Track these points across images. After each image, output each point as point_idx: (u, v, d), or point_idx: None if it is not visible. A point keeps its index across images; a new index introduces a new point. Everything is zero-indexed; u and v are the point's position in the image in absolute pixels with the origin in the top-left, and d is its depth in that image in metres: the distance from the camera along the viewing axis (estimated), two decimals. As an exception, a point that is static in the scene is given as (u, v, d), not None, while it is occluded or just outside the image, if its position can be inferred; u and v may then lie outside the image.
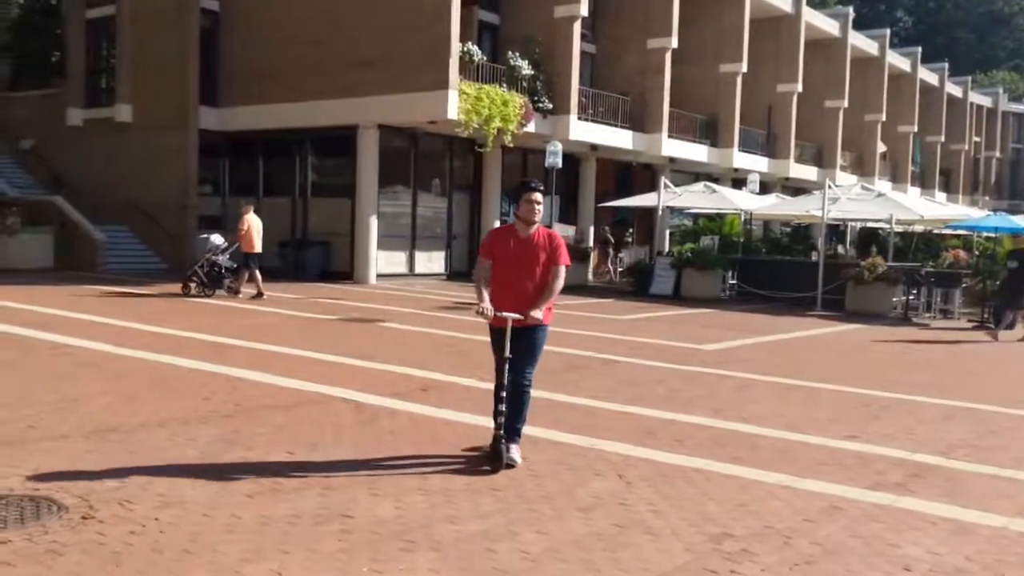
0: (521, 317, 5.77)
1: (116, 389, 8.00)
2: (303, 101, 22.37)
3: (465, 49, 21.99)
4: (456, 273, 25.01)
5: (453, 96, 20.59)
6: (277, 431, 6.65)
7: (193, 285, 17.04)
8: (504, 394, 5.83)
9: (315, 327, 13.35)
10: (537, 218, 5.91)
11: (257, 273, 17.25)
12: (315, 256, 23.12)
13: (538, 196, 5.88)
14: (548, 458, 6.15)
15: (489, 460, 5.80)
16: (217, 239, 17.31)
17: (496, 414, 5.84)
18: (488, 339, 6.15)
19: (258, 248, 17.45)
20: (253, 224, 17.42)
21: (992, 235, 22.95)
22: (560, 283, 5.93)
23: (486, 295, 5.84)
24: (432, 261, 24.86)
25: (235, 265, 17.27)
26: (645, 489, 5.51)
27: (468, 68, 22.11)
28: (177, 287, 17.40)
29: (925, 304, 20.15)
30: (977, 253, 23.10)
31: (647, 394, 8.81)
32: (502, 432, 5.79)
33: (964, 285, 21.06)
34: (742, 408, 8.32)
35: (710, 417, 7.79)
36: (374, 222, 22.30)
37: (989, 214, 24.62)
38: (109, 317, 13.14)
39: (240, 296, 17.09)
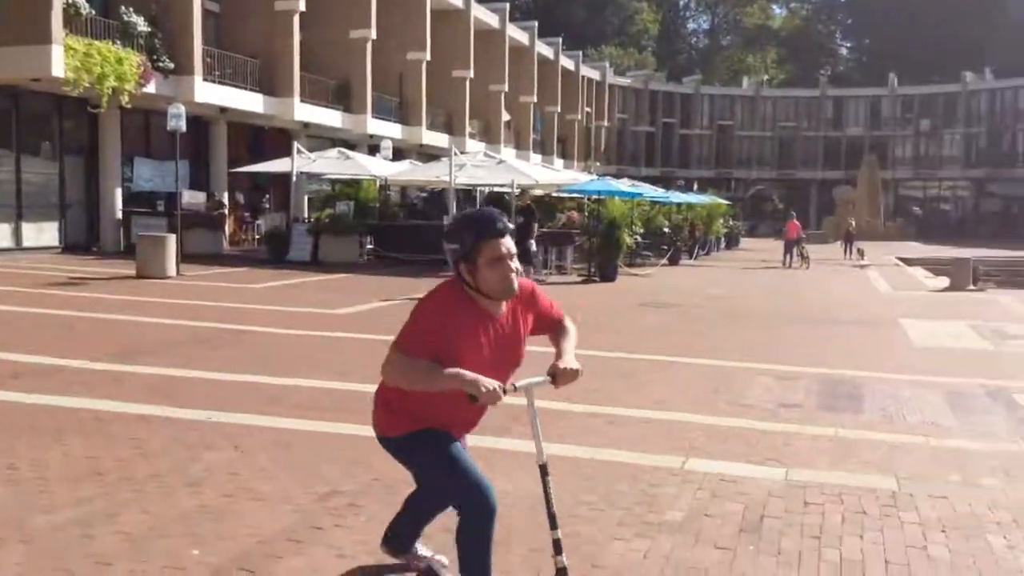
0: (548, 379, 3.41)
1: None
2: None
3: (70, 1, 20.08)
4: (73, 246, 22.94)
5: (57, 52, 18.74)
6: None
7: None
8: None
9: None
10: (516, 286, 3.37)
11: None
12: None
13: (509, 242, 3.33)
14: (162, 435, 5.97)
15: None
16: None
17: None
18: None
19: None
20: None
21: (599, 198, 25.50)
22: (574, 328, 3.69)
23: (466, 372, 3.20)
24: (43, 233, 22.53)
25: None
26: (260, 457, 5.56)
27: (75, 22, 20.24)
28: None
29: (543, 261, 21.98)
30: (587, 215, 25.54)
31: (274, 362, 8.79)
32: None
33: (575, 244, 23.27)
34: (367, 369, 8.58)
35: (336, 380, 7.98)
36: (-33, 191, 19.79)
37: (594, 178, 27.28)
38: None
39: None
